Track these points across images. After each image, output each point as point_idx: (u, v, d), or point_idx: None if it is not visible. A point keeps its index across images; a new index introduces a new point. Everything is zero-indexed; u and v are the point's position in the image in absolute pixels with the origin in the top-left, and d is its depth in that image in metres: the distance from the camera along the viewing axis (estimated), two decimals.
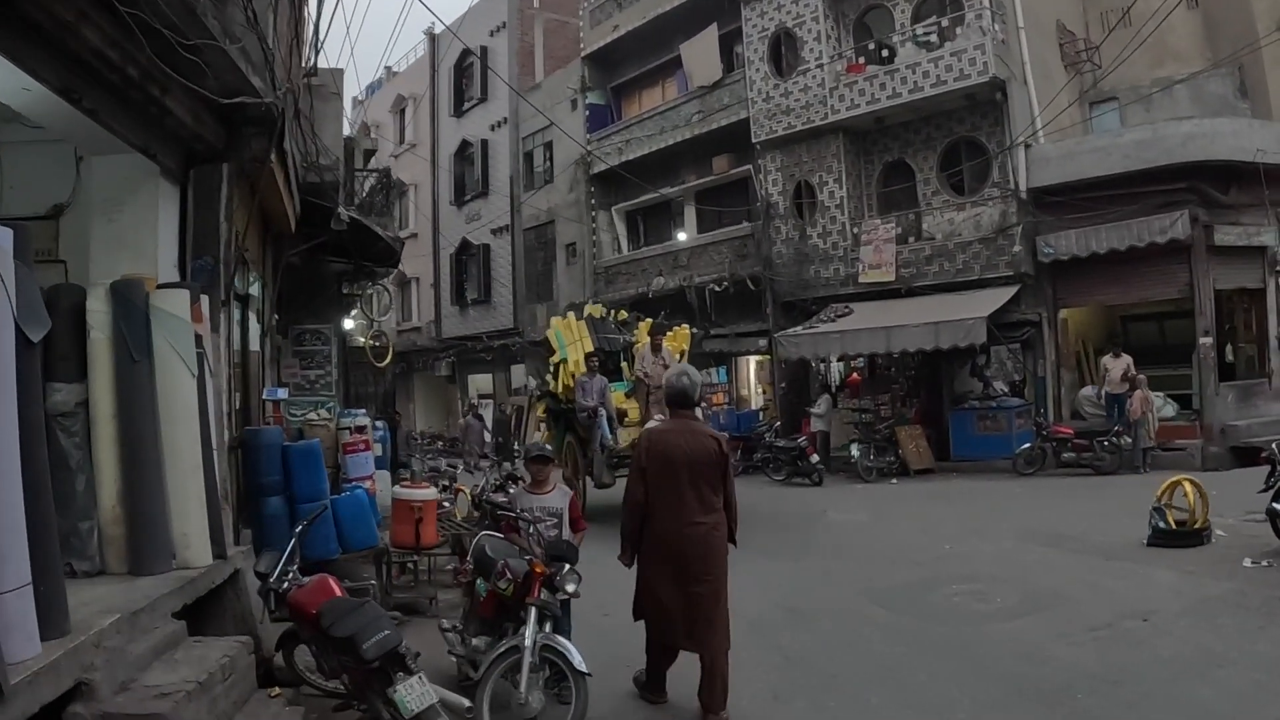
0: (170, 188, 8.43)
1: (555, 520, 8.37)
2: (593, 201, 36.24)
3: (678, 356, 18.01)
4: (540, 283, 39.61)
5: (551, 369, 19.43)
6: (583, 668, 6.75)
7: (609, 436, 17.11)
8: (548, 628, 7.06)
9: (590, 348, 18.44)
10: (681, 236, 32.79)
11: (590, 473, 17.78)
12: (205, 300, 8.10)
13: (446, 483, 17.30)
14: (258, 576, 7.19)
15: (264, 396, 13.60)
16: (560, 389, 18.76)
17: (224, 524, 7.90)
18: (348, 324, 20.69)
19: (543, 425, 21.34)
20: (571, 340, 18.88)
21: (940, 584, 11.64)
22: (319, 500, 10.66)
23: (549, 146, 38.73)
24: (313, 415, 14.73)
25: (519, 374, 40.94)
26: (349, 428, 13.72)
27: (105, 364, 7.08)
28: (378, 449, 16.26)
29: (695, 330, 21.91)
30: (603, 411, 17.08)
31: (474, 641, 7.90)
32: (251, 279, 13.56)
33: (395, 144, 46.65)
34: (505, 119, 40.56)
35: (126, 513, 7.03)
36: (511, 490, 14.51)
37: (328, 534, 10.69)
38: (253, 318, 13.84)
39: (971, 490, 20.36)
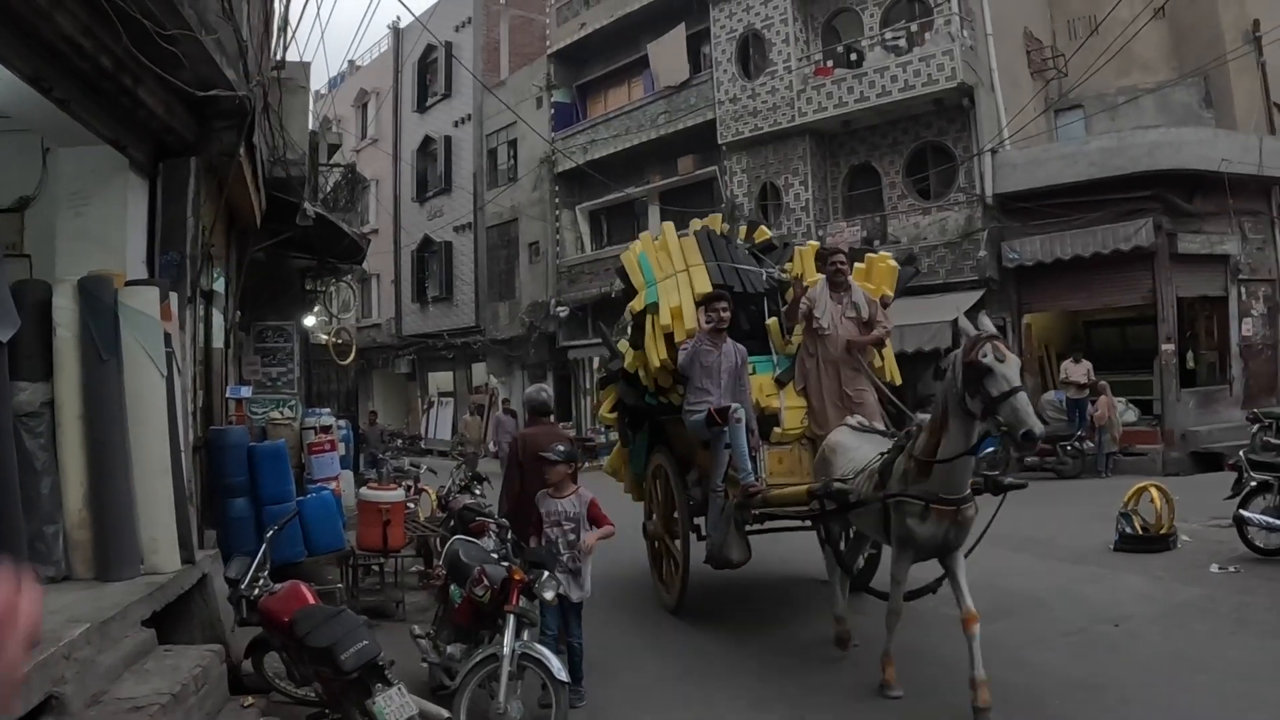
0: (139, 181, 8.21)
1: (573, 525, 8.12)
2: (556, 200, 36.08)
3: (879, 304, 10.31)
4: (502, 281, 39.51)
5: (627, 326, 11.90)
6: (563, 676, 6.62)
7: (747, 466, 9.34)
8: (525, 635, 6.88)
9: (707, 284, 10.49)
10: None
11: (700, 533, 10.66)
12: (173, 297, 7.90)
13: (410, 483, 17.13)
14: (228, 583, 7.01)
15: (227, 394, 13.37)
16: (645, 365, 10.87)
17: (192, 528, 7.71)
18: (310, 321, 20.41)
19: (599, 430, 18.42)
20: (668, 272, 11.01)
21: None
22: (285, 502, 10.46)
23: (513, 144, 38.61)
24: (276, 414, 14.48)
25: (480, 372, 40.92)
26: (314, 427, 13.50)
27: (72, 363, 6.90)
28: (340, 448, 16.05)
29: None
30: (739, 412, 9.27)
31: (449, 649, 7.72)
32: (216, 274, 13.30)
33: (357, 139, 46.24)
34: (469, 115, 40.33)
35: (93, 516, 6.84)
36: (477, 493, 14.48)
37: (294, 536, 10.47)
38: (217, 314, 13.62)
39: None
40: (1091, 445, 20.87)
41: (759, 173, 28.15)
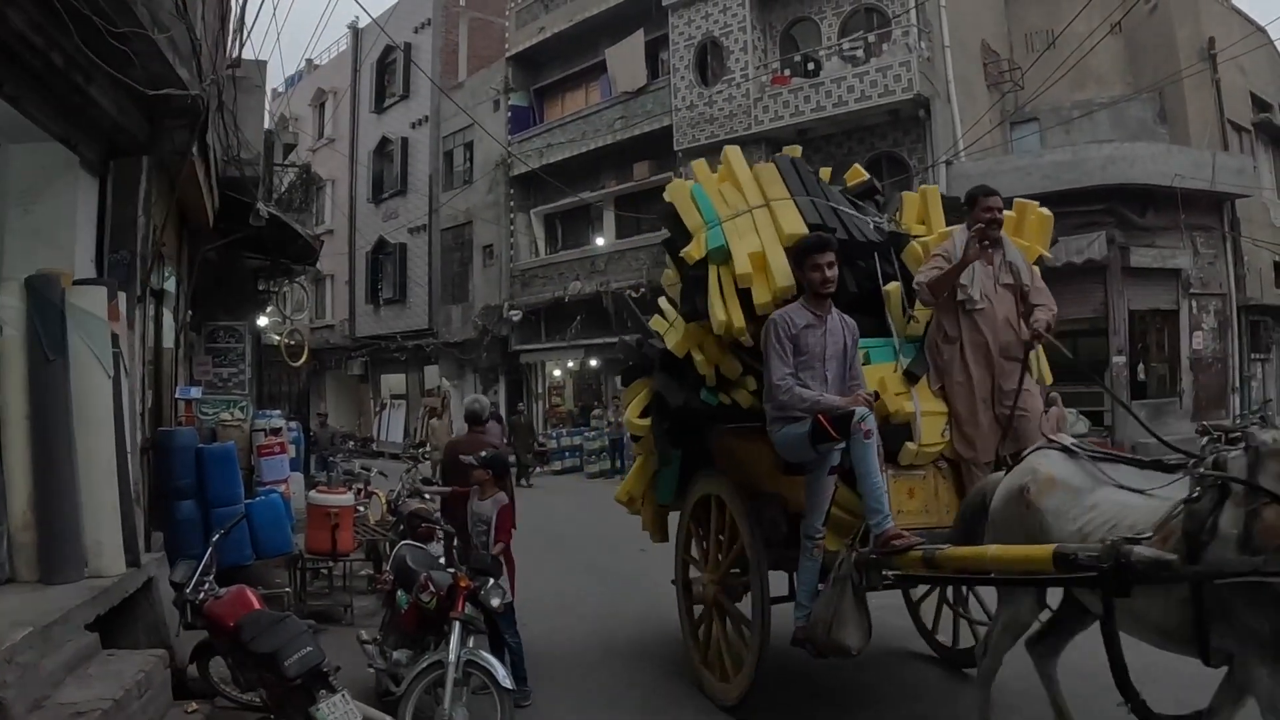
0: (90, 180, 8.12)
1: (485, 528, 8.32)
2: (511, 204, 36.01)
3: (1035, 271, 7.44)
4: (456, 284, 39.36)
5: (677, 286, 8.42)
6: (508, 684, 6.57)
7: (885, 505, 6.28)
8: (471, 642, 6.84)
9: (800, 223, 7.39)
10: (600, 241, 32.68)
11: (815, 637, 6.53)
12: (122, 297, 7.83)
13: (360, 486, 17.03)
14: (173, 586, 6.92)
15: (176, 395, 13.24)
16: (703, 344, 7.75)
17: (138, 531, 7.64)
18: (263, 321, 20.27)
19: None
20: (734, 210, 7.73)
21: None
22: (233, 505, 10.38)
23: (469, 147, 38.45)
24: (226, 415, 14.34)
25: (432, 375, 40.68)
26: (264, 429, 13.37)
27: (18, 363, 6.84)
28: (291, 450, 15.94)
29: None
30: (867, 420, 6.30)
31: (395, 655, 7.65)
32: (167, 274, 13.19)
33: (314, 138, 45.90)
34: (426, 117, 40.21)
35: (38, 518, 6.79)
36: (426, 497, 14.41)
37: (241, 539, 10.37)
38: (167, 314, 13.49)
39: None
40: None
41: None
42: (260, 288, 19.44)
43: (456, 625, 6.73)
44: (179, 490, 10.13)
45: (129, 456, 7.67)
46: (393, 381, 44.25)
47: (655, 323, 9.23)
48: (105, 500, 7.06)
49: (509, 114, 35.87)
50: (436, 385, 39.97)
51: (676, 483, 8.89)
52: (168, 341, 13.46)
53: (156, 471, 10.25)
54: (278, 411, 15.81)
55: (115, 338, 7.39)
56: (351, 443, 40.04)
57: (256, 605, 6.47)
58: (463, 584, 6.94)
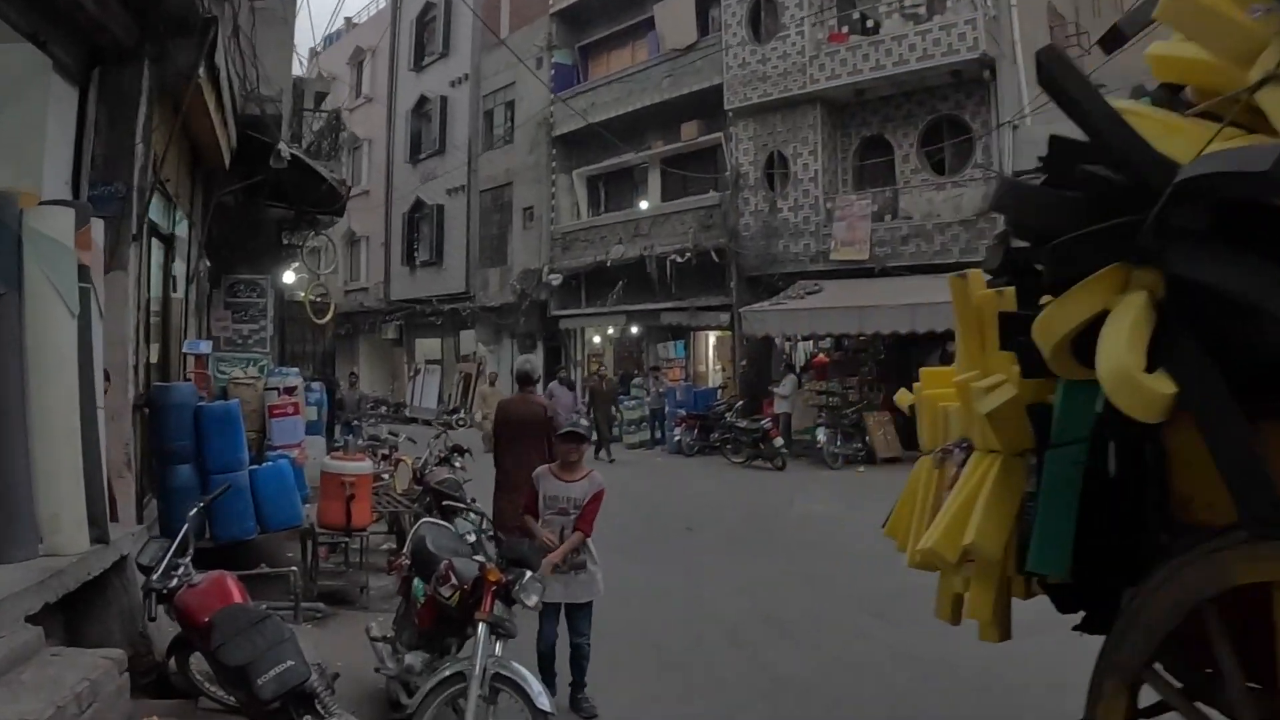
0: (65, 88, 6.99)
1: (567, 512, 7.16)
2: (553, 164, 34.84)
3: None
4: (494, 246, 38.30)
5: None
6: (546, 706, 5.33)
7: None
8: (499, 649, 5.63)
9: None
10: (644, 204, 31.64)
11: None
12: (98, 226, 6.66)
13: (386, 451, 15.94)
14: (140, 570, 5.75)
15: (184, 349, 12.17)
16: None
17: (106, 502, 6.45)
18: (289, 277, 19.23)
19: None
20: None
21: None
22: (235, 471, 9.28)
23: (510, 106, 37.43)
24: (238, 372, 13.25)
25: (468, 340, 39.80)
26: (277, 388, 12.20)
27: None
28: (312, 413, 14.83)
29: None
30: None
31: (408, 658, 6.41)
32: (178, 218, 12.21)
33: (351, 97, 45.00)
34: (466, 75, 39.14)
35: None
36: (457, 465, 13.25)
37: (244, 510, 9.29)
38: (178, 261, 12.48)
39: None
40: None
41: (766, 141, 26.94)
42: (285, 241, 18.43)
43: (482, 628, 5.57)
44: (174, 453, 9.08)
45: (98, 413, 6.51)
46: (428, 346, 43.21)
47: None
48: (64, 464, 5.89)
49: (552, 72, 34.68)
50: (473, 350, 39.28)
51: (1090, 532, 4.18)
52: (177, 291, 12.48)
53: (151, 432, 9.17)
54: (294, 369, 14.65)
55: (85, 270, 6.22)
56: (385, 407, 39.21)
57: (236, 597, 5.30)
58: (491, 577, 5.73)
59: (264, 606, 5.74)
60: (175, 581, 5.48)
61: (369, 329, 46.48)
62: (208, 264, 15.33)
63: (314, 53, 40.41)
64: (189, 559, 5.70)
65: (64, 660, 4.98)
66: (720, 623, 9.46)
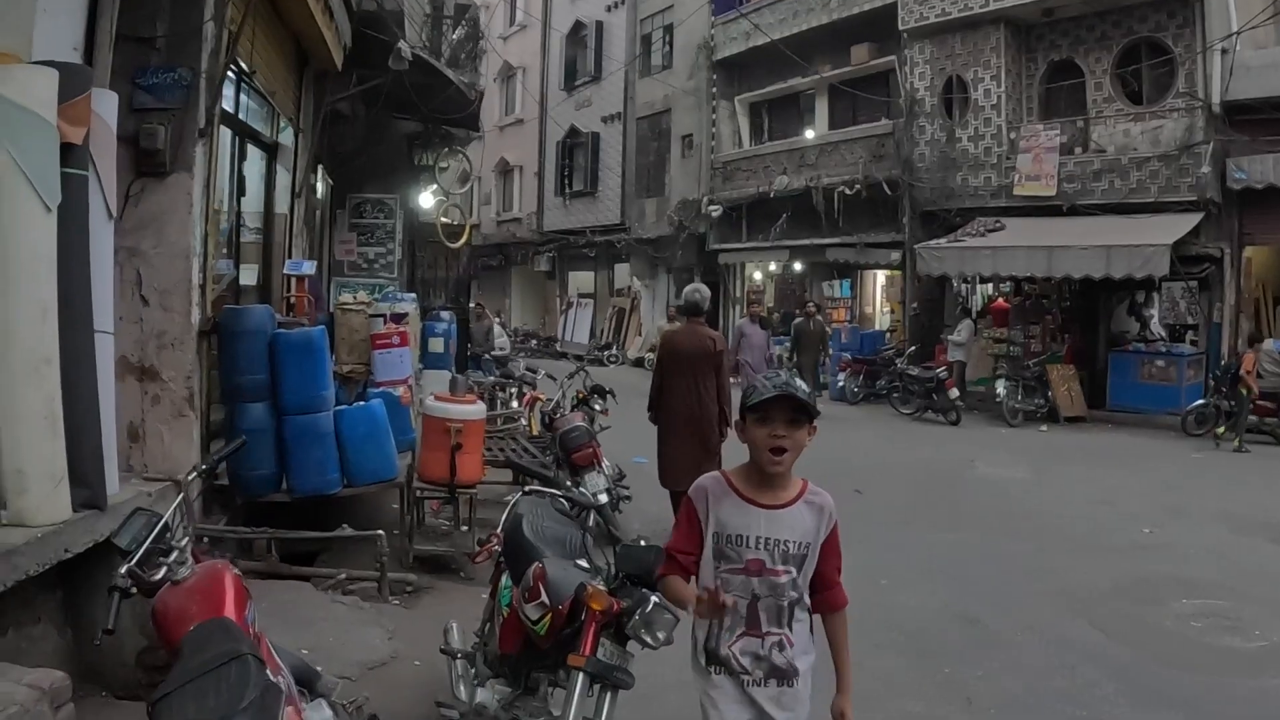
0: None
1: (792, 577, 3.54)
2: (714, 91, 32.94)
3: None
4: (651, 176, 36.72)
5: None
6: None
7: None
8: (606, 710, 3.79)
9: None
10: (810, 133, 29.61)
11: None
12: (105, 99, 5.22)
13: (516, 389, 14.62)
14: (119, 555, 4.18)
15: (285, 270, 10.94)
16: None
17: (104, 454, 5.02)
18: (427, 200, 17.98)
19: None
20: None
21: (1159, 592, 8.52)
22: (315, 412, 7.92)
23: (669, 29, 35.58)
24: (346, 297, 11.96)
25: (623, 273, 38.56)
26: (383, 315, 10.77)
27: None
28: (438, 345, 13.53)
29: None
30: None
31: (480, 694, 4.68)
32: (281, 124, 11.03)
33: (505, 25, 43.90)
34: None
35: None
36: (596, 409, 11.79)
37: (325, 459, 7.92)
38: (283, 172, 11.32)
39: (1140, 450, 17.10)
40: None
41: (944, 65, 24.80)
42: (417, 161, 17.22)
43: (578, 679, 3.80)
44: (244, 389, 7.79)
45: (93, 338, 5.09)
46: (581, 279, 42.15)
47: None
48: (30, 406, 4.47)
49: None
50: (627, 285, 38.07)
51: None
52: (281, 206, 11.31)
53: (221, 364, 7.89)
54: (411, 295, 13.32)
55: (73, 151, 4.78)
56: (535, 341, 38.27)
57: (228, 608, 3.70)
58: (595, 604, 3.85)
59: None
60: (161, 573, 3.93)
61: (521, 260, 45.62)
62: (329, 181, 14.23)
63: None
64: (187, 542, 4.06)
65: None
66: (902, 623, 7.59)
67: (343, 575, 7.68)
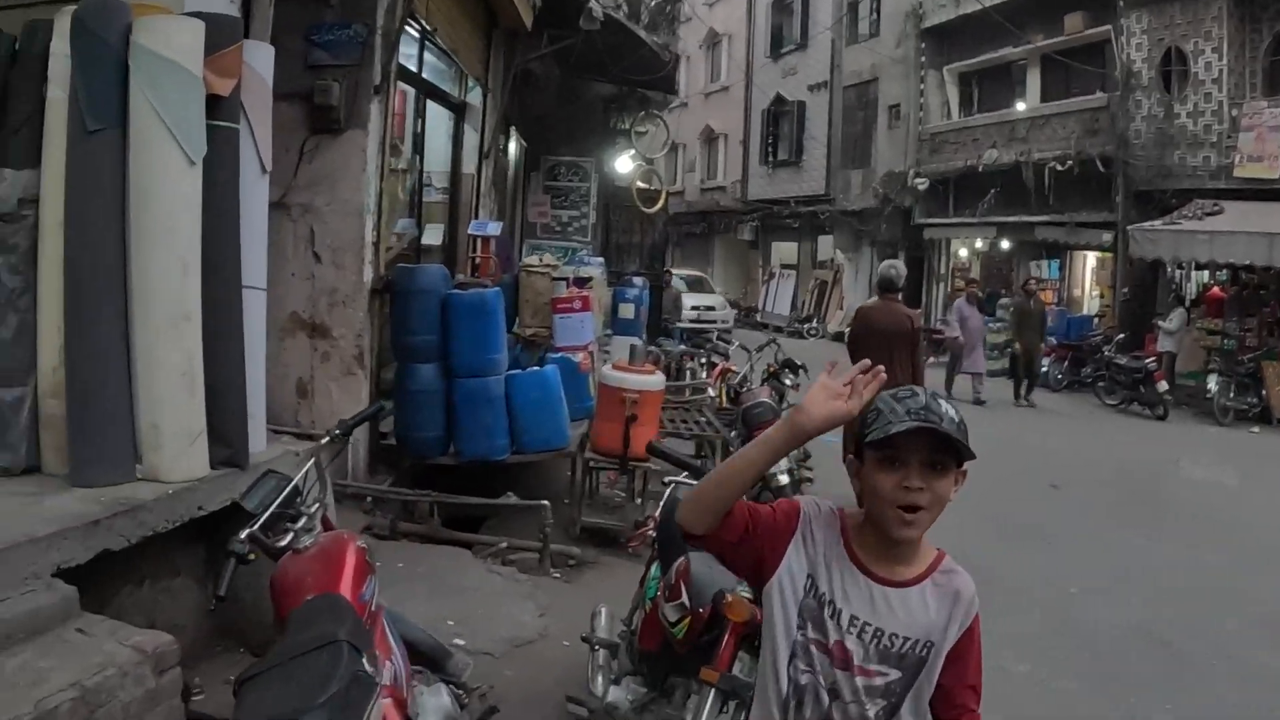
0: None
1: (892, 674, 2.45)
2: (922, 60, 32.08)
3: None
4: (857, 146, 36.00)
5: None
6: None
7: None
8: None
9: None
10: (1020, 105, 28.62)
11: None
12: (259, 50, 5.21)
13: (705, 359, 14.43)
14: (245, 518, 4.07)
15: (470, 230, 11.01)
16: None
17: (248, 413, 4.99)
18: (624, 164, 17.93)
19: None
20: None
21: None
22: (487, 375, 7.91)
23: None
24: (533, 259, 11.95)
25: (826, 245, 37.95)
26: (566, 278, 10.71)
27: (58, 140, 4.37)
28: (629, 311, 13.43)
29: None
30: None
31: (613, 692, 4.44)
32: (469, 84, 11.07)
33: None
34: None
35: (72, 381, 4.34)
36: (787, 384, 11.49)
37: (494, 424, 7.90)
38: (470, 132, 11.39)
39: None
40: None
41: (1162, 35, 23.56)
42: (613, 124, 17.21)
43: (710, 693, 3.57)
44: (414, 349, 7.88)
45: (252, 294, 5.11)
46: (783, 250, 41.76)
47: None
48: (169, 359, 4.51)
49: None
50: (829, 257, 37.44)
51: None
52: (468, 166, 11.38)
53: (392, 324, 7.96)
54: (599, 259, 13.26)
55: (231, 106, 4.77)
56: (735, 311, 38.16)
57: (344, 585, 3.56)
58: (735, 615, 3.65)
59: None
60: (286, 539, 3.78)
61: (724, 229, 45.23)
62: (522, 143, 14.28)
63: None
64: (317, 508, 3.94)
65: (83, 642, 3.56)
66: (1089, 640, 7.08)
67: (504, 544, 7.65)
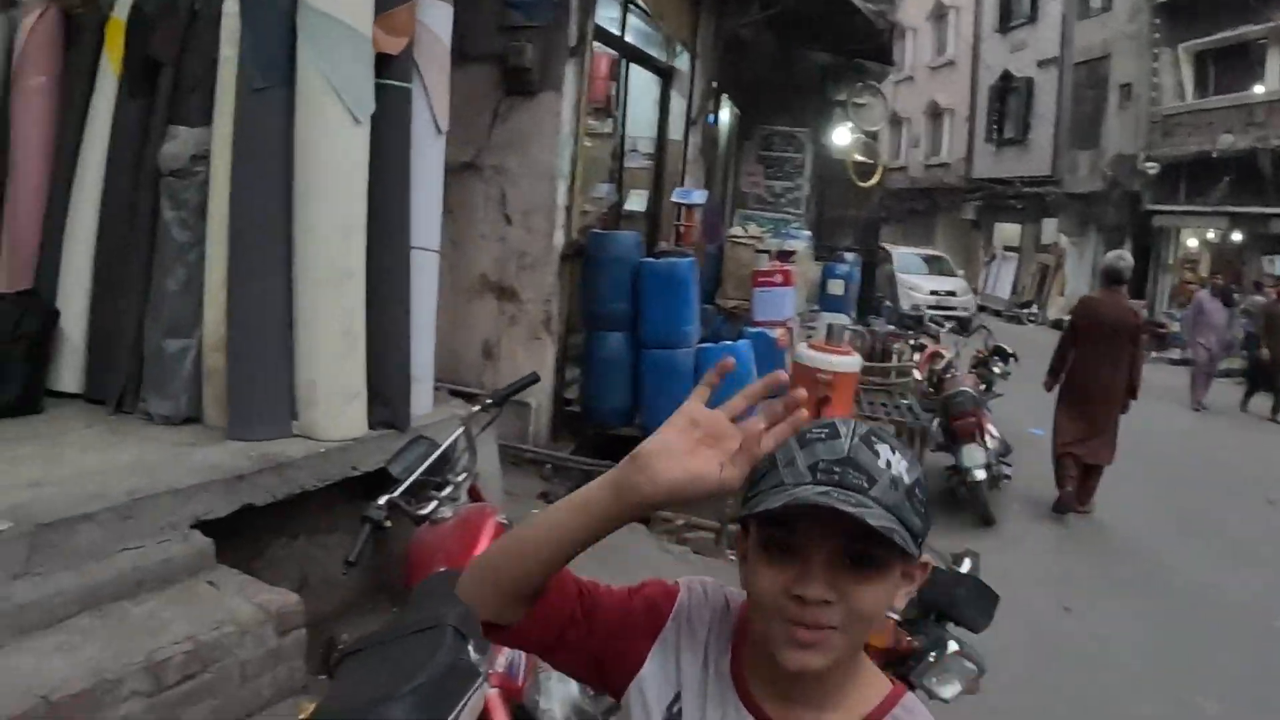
0: None
1: None
2: (1156, 36, 30.62)
3: None
4: (1085, 127, 34.59)
5: None
6: None
7: None
8: None
9: None
10: (1260, 88, 27.05)
11: None
12: (435, 8, 5.16)
13: (913, 341, 14.08)
14: (389, 482, 3.95)
15: (674, 198, 10.94)
16: None
17: (412, 374, 4.99)
18: (841, 137, 17.63)
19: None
20: None
21: None
22: (677, 347, 7.83)
23: None
24: (738, 229, 11.83)
25: (1049, 229, 36.65)
26: (769, 251, 10.56)
27: (229, 98, 4.40)
28: (838, 287, 13.20)
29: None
30: None
31: None
32: (678, 50, 11.03)
33: None
34: None
35: (234, 335, 4.39)
36: (996, 372, 11.12)
37: (680, 397, 7.64)
38: (677, 98, 11.36)
39: None
40: None
41: None
42: (831, 96, 16.95)
43: None
44: (603, 317, 7.89)
45: (424, 255, 5.10)
46: (1006, 231, 40.56)
47: None
48: (325, 317, 4.54)
49: None
50: (1053, 241, 36.22)
51: None
52: (675, 133, 11.37)
53: (582, 290, 7.95)
54: (806, 233, 13.03)
55: (402, 65, 4.75)
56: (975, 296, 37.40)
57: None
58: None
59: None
60: (429, 508, 3.62)
61: (947, 207, 44.24)
62: (735, 111, 14.17)
63: None
64: (464, 478, 3.82)
65: (210, 595, 3.58)
66: None
67: (681, 522, 7.53)
